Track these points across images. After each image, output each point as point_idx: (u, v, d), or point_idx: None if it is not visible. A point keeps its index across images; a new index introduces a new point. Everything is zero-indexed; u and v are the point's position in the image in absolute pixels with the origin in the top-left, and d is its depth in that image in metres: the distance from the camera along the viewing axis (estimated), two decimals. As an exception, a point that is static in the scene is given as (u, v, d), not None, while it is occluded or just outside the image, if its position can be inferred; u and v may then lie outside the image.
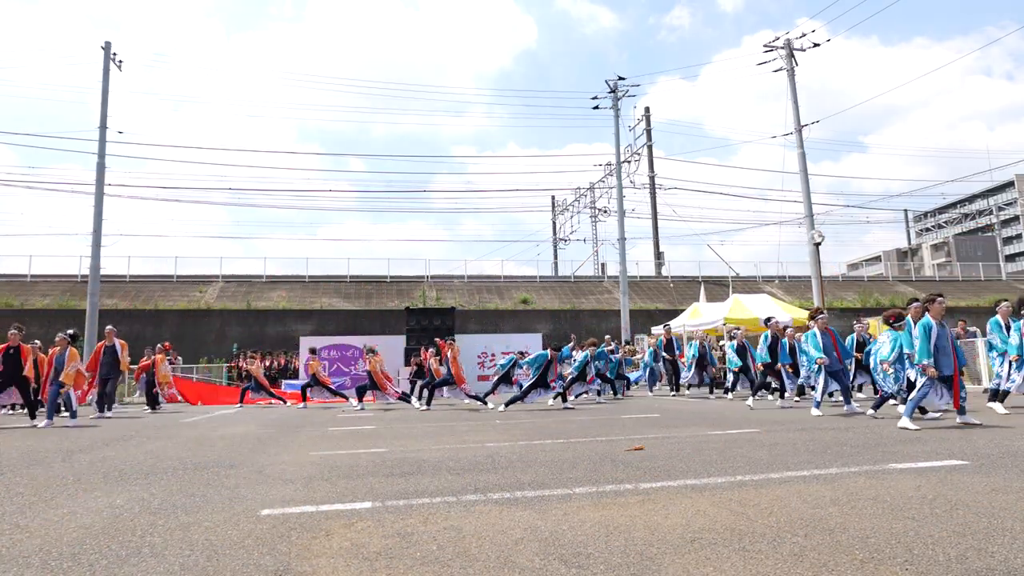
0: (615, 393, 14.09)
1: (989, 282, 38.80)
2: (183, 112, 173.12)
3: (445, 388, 12.15)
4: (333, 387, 13.93)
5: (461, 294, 31.20)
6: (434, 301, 29.01)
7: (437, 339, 13.25)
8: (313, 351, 15.22)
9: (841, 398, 9.25)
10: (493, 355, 17.53)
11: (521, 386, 11.39)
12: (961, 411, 6.72)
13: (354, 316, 27.70)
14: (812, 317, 8.86)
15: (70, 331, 10.12)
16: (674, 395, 13.91)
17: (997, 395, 8.34)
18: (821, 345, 8.54)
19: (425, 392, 12.35)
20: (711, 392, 13.22)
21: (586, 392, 12.83)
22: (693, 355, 13.51)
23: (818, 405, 8.42)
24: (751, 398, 10.13)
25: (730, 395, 10.64)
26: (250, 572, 2.39)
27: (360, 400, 12.30)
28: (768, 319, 11.36)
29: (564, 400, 11.00)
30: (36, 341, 10.29)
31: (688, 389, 14.37)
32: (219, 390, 16.70)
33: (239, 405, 13.82)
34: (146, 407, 13.19)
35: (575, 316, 29.12)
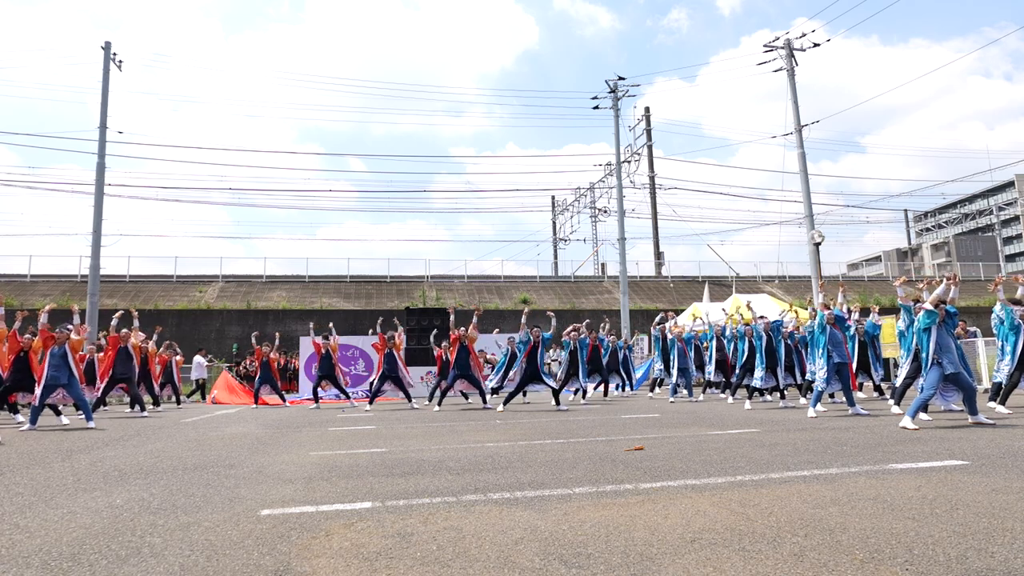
0: (604, 392, 13.72)
1: (989, 282, 38.76)
2: (183, 112, 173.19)
3: (457, 383, 11.82)
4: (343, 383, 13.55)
5: (461, 294, 31.20)
6: (434, 301, 29.02)
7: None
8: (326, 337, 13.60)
9: (841, 399, 9.23)
10: (493, 355, 17.51)
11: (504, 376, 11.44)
12: (972, 410, 6.75)
13: (354, 316, 27.68)
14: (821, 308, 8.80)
15: (70, 325, 9.92)
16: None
17: (998, 394, 8.35)
18: (828, 338, 8.44)
19: (438, 393, 12.25)
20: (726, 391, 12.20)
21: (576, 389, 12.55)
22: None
23: (815, 404, 8.38)
24: (747, 400, 10.16)
25: (731, 399, 10.54)
26: (250, 572, 2.39)
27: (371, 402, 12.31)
28: (760, 318, 11.35)
29: (558, 403, 10.80)
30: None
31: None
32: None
33: (255, 405, 13.60)
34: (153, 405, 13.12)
35: (575, 316, 29.04)
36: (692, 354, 13.22)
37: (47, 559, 2.60)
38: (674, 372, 12.87)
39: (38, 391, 8.88)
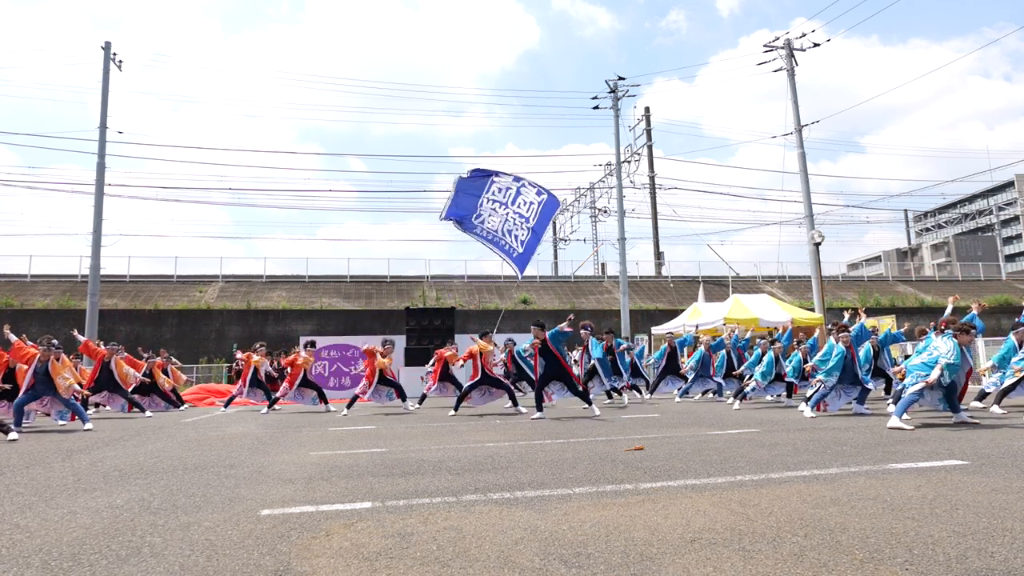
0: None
1: (989, 282, 38.80)
2: (183, 112, 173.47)
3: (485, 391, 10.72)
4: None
5: (461, 294, 31.20)
6: (434, 301, 29.02)
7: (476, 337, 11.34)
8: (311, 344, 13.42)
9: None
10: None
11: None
12: (953, 408, 6.83)
13: (354, 316, 27.71)
14: (837, 332, 8.69)
15: (55, 341, 9.31)
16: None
17: (984, 396, 8.78)
18: (842, 361, 8.40)
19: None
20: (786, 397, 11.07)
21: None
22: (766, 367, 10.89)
23: (813, 407, 8.44)
24: (737, 402, 10.27)
25: (737, 404, 10.51)
26: (250, 572, 2.39)
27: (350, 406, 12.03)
28: (760, 337, 11.41)
29: (516, 406, 9.93)
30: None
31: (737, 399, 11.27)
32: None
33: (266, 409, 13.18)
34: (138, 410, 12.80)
35: (576, 316, 29.10)
36: (722, 363, 12.87)
37: (47, 559, 2.61)
38: (691, 375, 12.90)
39: (21, 397, 8.80)
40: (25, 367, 8.99)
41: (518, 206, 12.64)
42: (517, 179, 12.84)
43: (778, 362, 10.46)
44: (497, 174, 13.02)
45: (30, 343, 9.46)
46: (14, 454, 6.11)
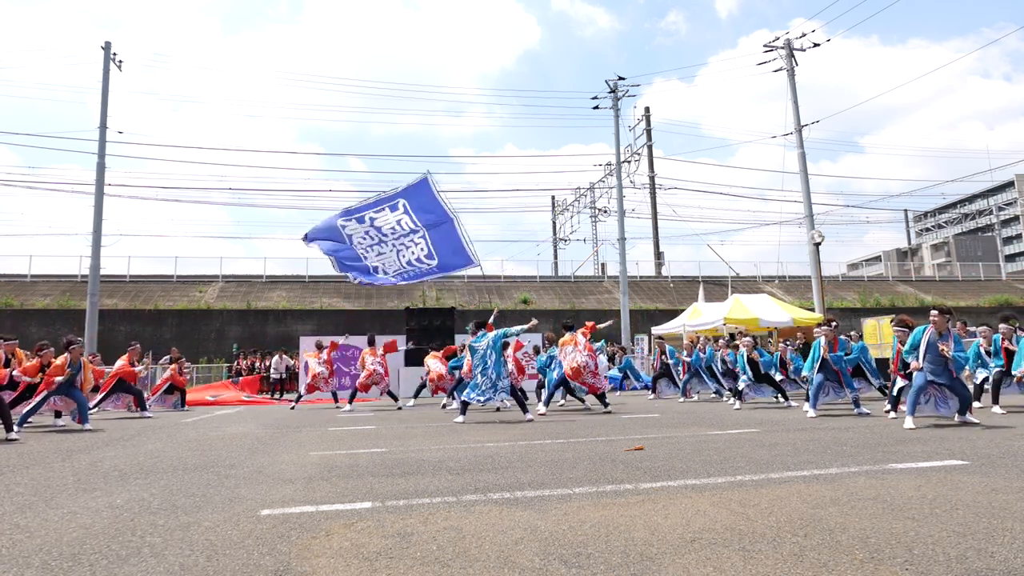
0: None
1: (989, 282, 38.77)
2: (183, 112, 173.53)
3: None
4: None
5: (461, 294, 31.20)
6: (434, 301, 29.02)
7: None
8: (319, 346, 13.69)
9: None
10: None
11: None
12: (961, 411, 6.87)
13: (354, 316, 27.70)
14: (822, 327, 8.84)
15: (80, 339, 9.51)
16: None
17: (981, 394, 8.97)
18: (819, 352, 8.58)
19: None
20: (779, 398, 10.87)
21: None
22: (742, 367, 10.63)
23: (814, 407, 8.50)
24: (737, 402, 10.33)
25: (737, 404, 10.49)
26: (250, 572, 2.39)
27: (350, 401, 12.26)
28: (742, 333, 11.44)
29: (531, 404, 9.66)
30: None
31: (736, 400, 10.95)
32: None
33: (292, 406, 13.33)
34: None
35: (575, 316, 29.08)
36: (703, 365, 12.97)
37: (47, 559, 2.60)
38: (686, 375, 12.98)
39: (39, 397, 8.82)
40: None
41: (393, 234, 12.55)
42: (360, 219, 12.71)
43: (754, 365, 10.42)
44: (346, 215, 12.83)
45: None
46: (14, 454, 6.11)
